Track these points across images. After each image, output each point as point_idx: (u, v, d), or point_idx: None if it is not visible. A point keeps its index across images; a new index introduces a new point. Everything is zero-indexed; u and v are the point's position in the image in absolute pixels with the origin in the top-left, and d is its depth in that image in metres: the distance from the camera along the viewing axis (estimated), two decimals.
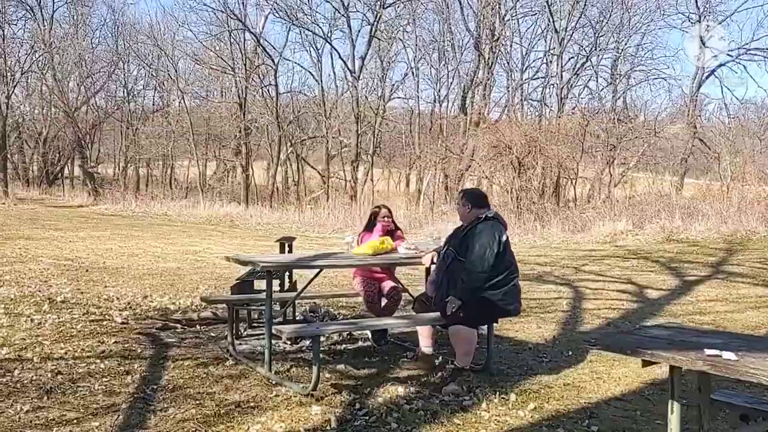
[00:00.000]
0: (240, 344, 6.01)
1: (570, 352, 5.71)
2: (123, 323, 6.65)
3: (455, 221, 5.54)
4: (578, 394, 4.62)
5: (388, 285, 5.85)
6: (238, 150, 31.47)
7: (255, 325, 6.65)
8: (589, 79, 31.85)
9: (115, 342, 5.86)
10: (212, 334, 6.40)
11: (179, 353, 5.58)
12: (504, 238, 4.77)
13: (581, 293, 9.11)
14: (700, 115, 31.62)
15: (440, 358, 5.24)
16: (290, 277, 6.63)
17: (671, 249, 14.81)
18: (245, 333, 6.39)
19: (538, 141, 21.67)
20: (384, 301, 5.83)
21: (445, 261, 4.76)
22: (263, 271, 5.99)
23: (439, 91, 31.19)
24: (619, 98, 31.00)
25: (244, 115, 27.93)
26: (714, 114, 32.30)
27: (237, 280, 6.47)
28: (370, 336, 5.89)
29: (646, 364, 2.52)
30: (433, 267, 5.09)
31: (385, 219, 6.00)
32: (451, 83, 32.13)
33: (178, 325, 6.62)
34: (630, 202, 22.61)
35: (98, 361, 5.24)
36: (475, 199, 4.97)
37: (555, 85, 27.12)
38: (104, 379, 4.80)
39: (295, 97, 32.31)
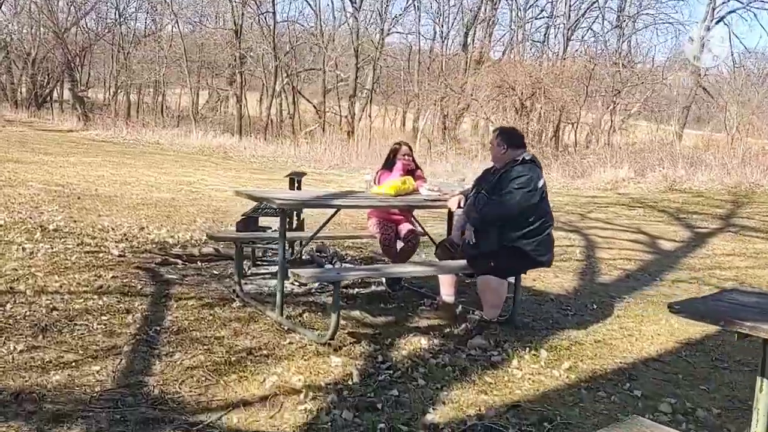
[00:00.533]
0: (245, 284, 5.68)
1: (594, 305, 5.43)
2: (120, 256, 6.29)
3: (457, 168, 5.16)
4: (611, 352, 4.34)
5: (405, 228, 5.50)
6: (232, 79, 30.62)
7: (259, 263, 6.31)
8: (594, 21, 31.05)
9: (113, 276, 5.51)
10: (215, 272, 6.06)
11: (182, 292, 5.24)
12: (541, 183, 4.39)
13: (593, 242, 8.82)
14: (706, 64, 31.05)
15: (460, 307, 4.94)
16: (298, 215, 6.26)
17: (676, 199, 14.54)
18: (249, 272, 6.05)
19: (542, 83, 21.09)
20: (400, 245, 5.49)
21: (475, 206, 4.38)
22: (271, 208, 5.66)
23: (442, 26, 30.19)
24: (624, 42, 30.32)
25: (239, 43, 26.97)
26: (718, 62, 31.59)
27: (243, 215, 6.09)
28: (384, 281, 5.57)
29: (741, 336, 2.20)
30: (459, 211, 4.73)
31: (406, 157, 5.60)
32: (454, 19, 31.17)
33: (179, 261, 6.27)
34: (632, 149, 22.23)
35: (96, 297, 4.89)
36: (512, 138, 4.56)
37: (562, 24, 26.31)
38: (103, 318, 4.46)
39: (291, 26, 31.28)
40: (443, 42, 30.45)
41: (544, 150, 21.75)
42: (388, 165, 5.57)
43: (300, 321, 4.65)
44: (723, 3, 29.55)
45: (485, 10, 30.10)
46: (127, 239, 7.09)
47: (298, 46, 30.16)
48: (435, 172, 20.10)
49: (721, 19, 30.93)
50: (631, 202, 14.25)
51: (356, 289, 5.62)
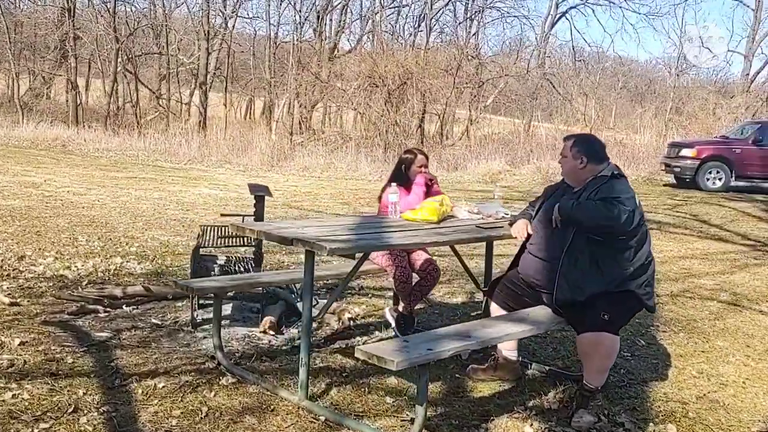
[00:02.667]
0: (204, 337, 4.27)
1: (642, 341, 4.62)
2: (13, 304, 4.57)
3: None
4: (728, 413, 3.52)
5: (420, 257, 4.35)
6: (59, 62, 27.07)
7: (204, 303, 4.84)
8: (440, 12, 31.03)
9: (22, 344, 3.86)
10: (155, 321, 4.55)
11: (135, 363, 3.74)
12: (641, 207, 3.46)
13: None
14: (549, 57, 32.30)
15: (533, 366, 3.94)
16: (259, 245, 4.83)
17: None
18: (197, 315, 4.60)
19: (414, 73, 20.47)
20: (415, 278, 4.35)
21: (565, 237, 3.34)
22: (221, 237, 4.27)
23: (300, 11, 28.67)
24: (473, 35, 30.68)
25: (72, 23, 23.74)
26: (560, 56, 32.99)
27: (199, 249, 4.59)
28: (394, 324, 4.39)
29: None
30: (526, 239, 3.65)
31: (424, 169, 4.44)
32: (307, 7, 29.74)
33: (99, 307, 4.66)
34: (500, 141, 22.35)
35: (12, 385, 3.29)
36: (592, 149, 3.56)
37: (425, 15, 25.92)
38: (41, 427, 2.92)
39: (129, 7, 28.23)
40: (301, 28, 28.90)
41: (411, 143, 21.20)
42: (401, 179, 4.38)
43: (333, 402, 3.38)
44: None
45: None
46: (8, 276, 5.29)
47: (140, 28, 27.22)
48: (309, 166, 18.92)
49: (563, 14, 32.43)
50: (523, 195, 13.94)
51: (357, 338, 4.42)
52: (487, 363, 3.83)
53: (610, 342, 3.26)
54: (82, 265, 5.78)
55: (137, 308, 4.82)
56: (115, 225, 8.19)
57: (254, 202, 4.90)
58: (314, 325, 4.68)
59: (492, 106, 28.37)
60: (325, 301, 4.51)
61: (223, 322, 4.63)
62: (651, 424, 3.31)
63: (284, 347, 4.25)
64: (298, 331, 4.56)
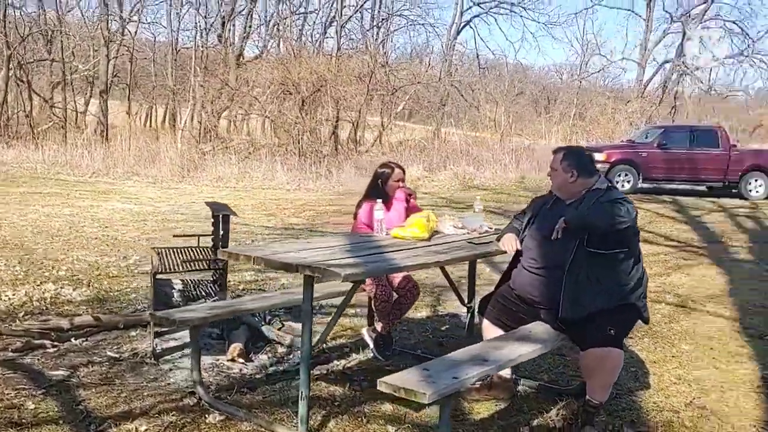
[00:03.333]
0: (170, 369, 3.97)
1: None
2: None
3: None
4: (722, 423, 3.58)
5: (399, 275, 4.20)
6: None
7: (160, 331, 4.50)
8: (348, 19, 31.01)
9: None
10: (112, 354, 4.19)
11: (104, 403, 3.41)
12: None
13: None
14: (456, 64, 32.88)
15: (522, 383, 3.87)
16: (225, 266, 4.52)
17: (486, 197, 14.65)
18: (156, 346, 4.27)
19: (328, 80, 20.29)
20: (394, 296, 4.21)
21: (566, 252, 3.29)
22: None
23: (205, 17, 27.86)
24: (381, 42, 30.83)
25: None
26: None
27: (157, 273, 4.25)
28: (372, 345, 4.23)
29: None
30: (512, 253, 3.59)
31: (401, 183, 4.30)
32: (211, 12, 28.95)
33: (46, 342, 4.25)
34: (416, 147, 22.51)
35: None
36: (582, 162, 3.54)
37: (333, 21, 25.79)
38: None
39: (18, 12, 26.49)
40: (207, 34, 28.08)
41: (337, 149, 21.07)
42: (378, 195, 4.21)
43: None
44: (468, 8, 31.57)
45: (244, 3, 28.46)
46: None
47: (33, 33, 25.60)
48: (222, 176, 18.34)
49: (468, 23, 33.13)
50: (447, 202, 14.07)
51: (335, 362, 4.23)
52: (480, 383, 3.73)
53: (617, 357, 3.24)
54: (13, 294, 5.28)
55: (87, 340, 4.43)
56: (32, 246, 7.59)
57: (213, 222, 4.61)
58: (282, 349, 4.48)
59: (402, 112, 28.59)
60: (299, 325, 4.29)
61: (185, 351, 4.35)
62: None
63: (259, 376, 4.01)
64: (269, 358, 4.34)
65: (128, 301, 5.44)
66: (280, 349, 4.47)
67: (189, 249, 4.54)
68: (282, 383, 3.86)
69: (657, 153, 16.01)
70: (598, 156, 16.06)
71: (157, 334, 4.41)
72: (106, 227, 9.44)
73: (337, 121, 22.31)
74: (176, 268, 4.28)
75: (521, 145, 21.72)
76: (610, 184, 3.53)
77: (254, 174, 18.43)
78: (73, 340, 4.38)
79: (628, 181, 15.93)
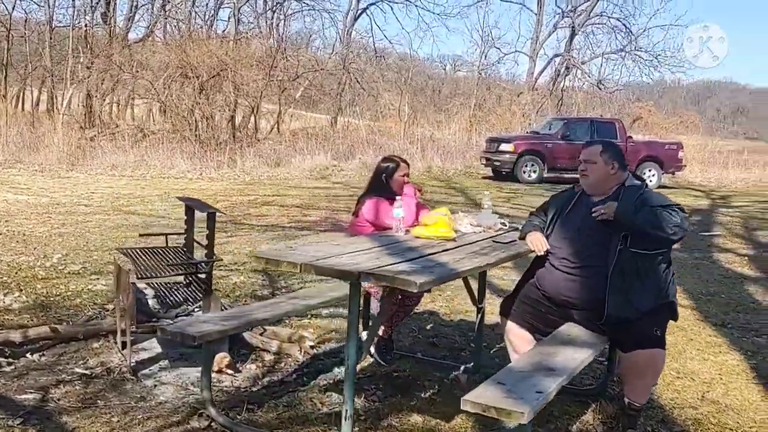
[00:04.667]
0: (154, 385, 3.54)
1: None
2: None
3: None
4: (739, 417, 3.61)
5: None
6: None
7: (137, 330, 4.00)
8: (245, 2, 30.02)
9: None
10: (80, 370, 3.70)
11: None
12: None
13: None
14: (353, 52, 32.62)
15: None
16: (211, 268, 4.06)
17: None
18: (130, 361, 3.81)
19: (228, 65, 19.48)
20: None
21: (608, 252, 3.16)
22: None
23: None
24: (275, 26, 30.06)
25: None
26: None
27: (140, 277, 3.74)
28: (374, 350, 3.96)
29: None
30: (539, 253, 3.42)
31: (407, 178, 4.02)
32: None
33: (0, 360, 3.67)
34: (322, 136, 22.10)
35: None
36: (621, 155, 3.43)
37: (224, 4, 24.78)
38: None
39: None
40: (88, 15, 26.18)
41: (235, 137, 20.27)
42: (383, 191, 3.92)
43: None
44: None
45: None
46: None
47: None
48: (116, 164, 17.18)
49: (364, 10, 32.92)
50: (358, 191, 13.83)
51: (336, 369, 3.93)
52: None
53: (662, 358, 3.17)
54: None
55: (44, 355, 3.89)
56: None
57: (186, 220, 4.17)
58: (269, 357, 4.12)
59: (300, 100, 28.01)
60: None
61: (161, 363, 3.93)
62: None
63: (255, 389, 3.65)
64: (257, 368, 3.97)
65: (74, 307, 4.85)
66: (267, 357, 4.11)
67: (164, 250, 4.06)
68: (288, 396, 3.52)
69: (561, 144, 16.56)
70: (506, 146, 16.43)
71: (123, 345, 3.94)
72: (7, 221, 8.55)
73: (235, 107, 21.51)
74: (156, 272, 3.81)
75: (425, 134, 21.86)
76: (642, 181, 3.43)
77: (152, 162, 17.46)
78: (29, 355, 3.82)
79: (535, 171, 16.39)
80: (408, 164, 4.08)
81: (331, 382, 3.73)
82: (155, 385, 3.59)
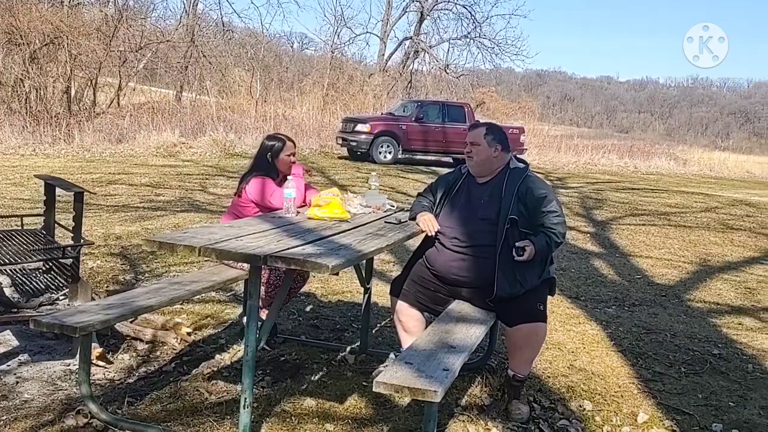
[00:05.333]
0: (12, 381, 3.22)
1: None
2: None
3: None
4: (606, 382, 3.89)
5: None
6: None
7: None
8: None
9: None
10: None
11: None
12: None
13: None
14: (199, 25, 31.28)
15: None
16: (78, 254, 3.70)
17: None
18: None
19: (64, 32, 17.98)
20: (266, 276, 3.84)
21: (496, 232, 3.25)
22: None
23: None
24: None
25: None
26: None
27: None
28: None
29: None
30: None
31: (293, 157, 3.89)
32: None
33: None
34: (169, 111, 21.01)
35: None
36: (503, 137, 3.52)
37: None
38: None
39: None
40: None
41: (71, 111, 18.79)
42: (267, 171, 3.77)
43: None
44: None
45: None
46: None
47: None
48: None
49: None
50: (219, 171, 13.43)
51: (219, 356, 3.77)
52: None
53: (544, 331, 3.33)
54: None
55: None
56: None
57: (46, 200, 3.80)
58: (142, 346, 3.89)
59: (144, 73, 26.49)
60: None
61: (20, 357, 3.60)
62: (571, 402, 3.49)
63: (133, 380, 3.43)
64: (131, 357, 3.74)
65: None
66: (140, 346, 3.87)
67: (20, 234, 3.68)
68: (170, 387, 3.33)
69: (415, 126, 16.97)
70: (362, 127, 16.57)
71: None
72: None
73: (71, 78, 19.94)
74: (14, 258, 3.43)
75: (277, 113, 21.51)
76: (523, 165, 3.56)
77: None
78: None
79: (390, 152, 16.68)
80: (294, 143, 3.97)
81: (215, 369, 3.58)
82: (17, 382, 3.27)
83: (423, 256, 3.55)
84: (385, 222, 3.50)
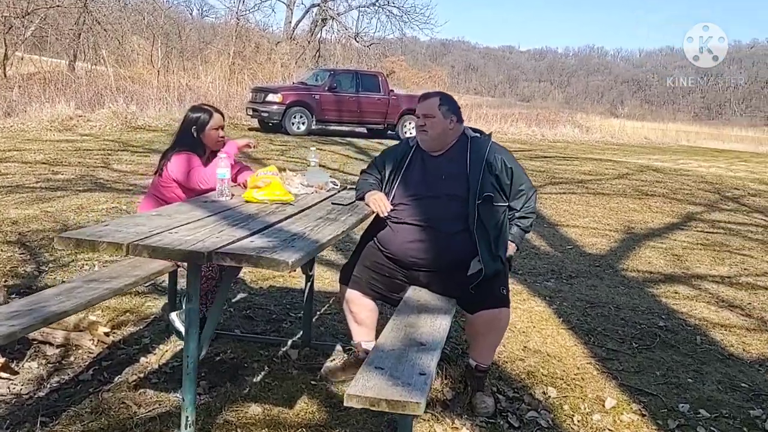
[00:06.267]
0: None
1: None
2: None
3: None
4: (562, 363, 3.72)
5: None
6: None
7: None
8: None
9: None
10: None
11: None
12: None
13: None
14: None
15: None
16: None
17: (159, 139, 13.42)
18: None
19: None
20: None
21: (466, 209, 2.95)
22: None
23: None
24: None
25: None
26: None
27: None
28: (178, 325, 3.37)
29: None
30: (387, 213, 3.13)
31: (221, 132, 3.43)
32: None
33: None
34: (61, 82, 19.52)
35: None
36: (457, 107, 3.21)
37: None
38: None
39: None
40: None
41: None
42: (191, 146, 3.31)
43: None
44: None
45: None
46: None
47: None
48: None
49: None
50: (122, 146, 12.57)
51: (144, 360, 3.33)
52: (343, 360, 3.29)
53: (507, 317, 3.08)
54: None
55: None
56: None
57: None
58: (52, 351, 3.40)
59: (32, 41, 24.57)
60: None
61: None
62: (534, 390, 3.29)
63: (44, 393, 2.95)
64: (40, 366, 3.25)
65: None
66: (51, 351, 3.38)
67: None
68: (90, 399, 2.88)
69: (328, 96, 16.49)
70: (273, 97, 15.95)
71: None
72: None
73: None
74: None
75: (181, 83, 20.44)
76: (482, 134, 3.28)
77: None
78: None
79: (303, 123, 16.15)
80: (223, 115, 3.52)
81: (141, 376, 3.14)
82: None
83: (374, 238, 3.22)
84: (332, 203, 3.14)
